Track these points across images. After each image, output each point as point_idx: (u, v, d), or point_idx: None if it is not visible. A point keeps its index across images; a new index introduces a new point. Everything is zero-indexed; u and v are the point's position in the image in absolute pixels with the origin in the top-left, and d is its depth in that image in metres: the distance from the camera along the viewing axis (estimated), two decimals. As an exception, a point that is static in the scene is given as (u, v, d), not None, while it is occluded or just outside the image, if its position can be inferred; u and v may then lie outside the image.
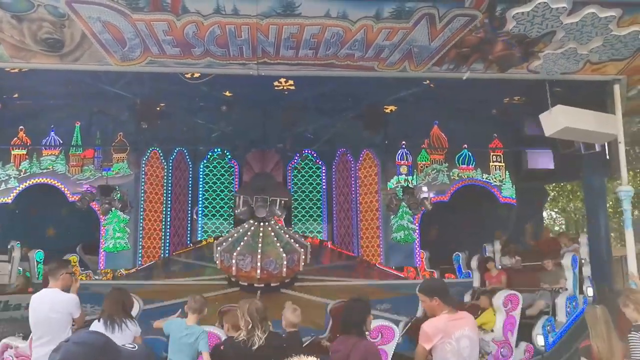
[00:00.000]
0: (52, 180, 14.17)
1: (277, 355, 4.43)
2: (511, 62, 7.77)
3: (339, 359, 4.22)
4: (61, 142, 14.25)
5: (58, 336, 5.30)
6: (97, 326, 5.43)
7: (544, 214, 23.57)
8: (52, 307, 5.45)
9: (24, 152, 14.28)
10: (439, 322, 4.36)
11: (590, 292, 9.96)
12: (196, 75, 9.25)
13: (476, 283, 11.52)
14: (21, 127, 14.19)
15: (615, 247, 15.97)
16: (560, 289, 9.64)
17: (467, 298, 10.93)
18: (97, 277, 13.63)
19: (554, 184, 22.88)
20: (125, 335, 5.42)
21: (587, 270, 10.38)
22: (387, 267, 14.52)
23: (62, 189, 14.12)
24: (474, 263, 12.01)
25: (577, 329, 8.79)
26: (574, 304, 9.32)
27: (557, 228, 29.96)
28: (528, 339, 8.46)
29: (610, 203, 18.24)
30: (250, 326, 4.55)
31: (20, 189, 14.07)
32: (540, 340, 8.53)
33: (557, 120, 8.03)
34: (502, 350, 8.00)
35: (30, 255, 12.85)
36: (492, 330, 8.14)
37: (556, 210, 28.58)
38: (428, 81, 10.25)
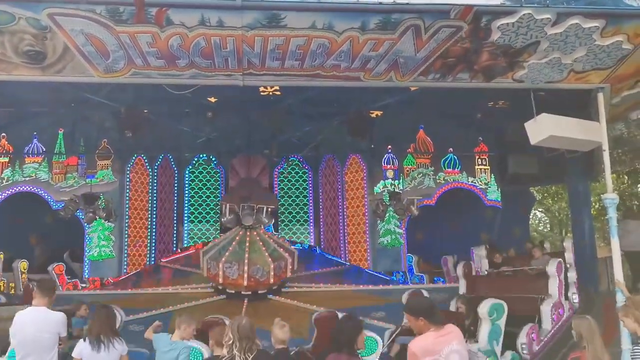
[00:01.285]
0: (35, 189, 13.98)
1: None
2: (496, 72, 7.78)
3: None
4: (44, 149, 14.07)
5: (44, 356, 5.25)
6: (83, 346, 5.36)
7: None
8: (41, 326, 5.27)
9: (6, 159, 14.10)
10: (426, 341, 4.32)
11: (576, 298, 10.24)
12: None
13: (462, 290, 11.14)
14: (3, 134, 14.03)
15: (599, 247, 16.13)
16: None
17: (452, 307, 10.38)
18: (83, 285, 13.47)
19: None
20: (111, 355, 5.36)
21: (572, 276, 10.41)
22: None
23: (46, 197, 13.94)
24: (459, 270, 11.63)
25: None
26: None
27: (541, 228, 30.30)
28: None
29: (594, 205, 18.42)
30: (230, 343, 4.49)
31: (2, 197, 13.87)
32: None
33: (542, 128, 8.06)
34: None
35: (14, 265, 12.65)
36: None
37: (541, 210, 28.83)
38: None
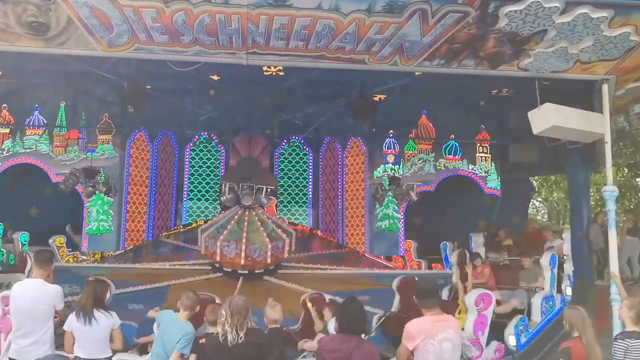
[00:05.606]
0: (35, 160, 13.96)
1: (257, 351, 4.40)
2: (502, 59, 7.77)
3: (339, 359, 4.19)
4: (45, 121, 14.04)
5: (39, 328, 5.29)
6: (71, 319, 5.41)
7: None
8: (37, 298, 5.30)
9: (7, 130, 14.06)
10: (424, 323, 4.38)
11: (569, 291, 9.50)
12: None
13: (455, 278, 10.07)
14: (4, 105, 13.97)
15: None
16: (536, 288, 9.19)
17: (445, 294, 10.02)
18: (84, 258, 13.53)
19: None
20: (101, 328, 5.39)
21: (568, 268, 10.22)
22: (376, 257, 14.50)
23: (46, 169, 13.93)
24: (453, 258, 11.12)
25: (552, 329, 8.54)
26: (550, 303, 8.98)
27: (539, 217, 30.34)
28: (500, 338, 8.02)
29: (593, 196, 18.43)
30: (223, 320, 4.50)
31: (3, 168, 13.87)
32: (512, 340, 8.08)
33: (545, 118, 8.06)
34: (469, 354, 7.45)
35: (15, 237, 12.67)
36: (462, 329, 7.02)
37: (539, 200, 28.87)
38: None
